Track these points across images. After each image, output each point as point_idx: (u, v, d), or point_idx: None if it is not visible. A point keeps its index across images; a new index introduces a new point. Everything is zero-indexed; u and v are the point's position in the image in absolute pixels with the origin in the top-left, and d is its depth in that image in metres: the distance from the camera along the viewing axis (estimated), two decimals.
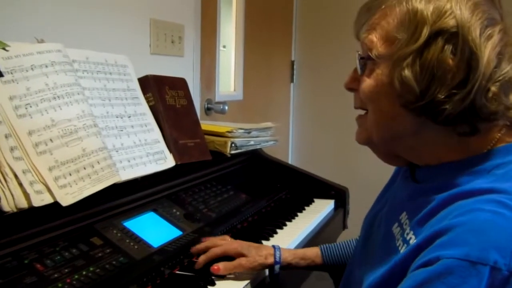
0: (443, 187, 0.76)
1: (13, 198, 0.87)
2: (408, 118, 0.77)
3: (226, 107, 2.22)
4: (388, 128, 0.81)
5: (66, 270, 0.89)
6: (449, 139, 0.77)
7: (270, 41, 2.95)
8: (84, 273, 0.90)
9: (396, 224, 0.85)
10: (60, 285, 0.85)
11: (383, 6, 0.78)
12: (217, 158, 1.55)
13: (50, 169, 0.95)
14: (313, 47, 3.24)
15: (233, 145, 1.58)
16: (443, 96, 0.71)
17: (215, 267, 1.04)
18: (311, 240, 1.44)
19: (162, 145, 1.32)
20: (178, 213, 1.27)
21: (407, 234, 0.78)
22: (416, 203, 0.80)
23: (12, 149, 0.91)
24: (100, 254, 0.97)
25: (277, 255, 1.12)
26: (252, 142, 1.68)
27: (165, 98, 1.40)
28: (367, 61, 0.80)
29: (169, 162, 1.32)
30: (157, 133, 1.33)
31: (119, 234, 1.06)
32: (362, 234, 1.02)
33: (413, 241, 0.75)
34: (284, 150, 3.23)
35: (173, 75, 1.49)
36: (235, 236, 1.28)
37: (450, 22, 0.71)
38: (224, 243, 1.13)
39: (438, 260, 0.63)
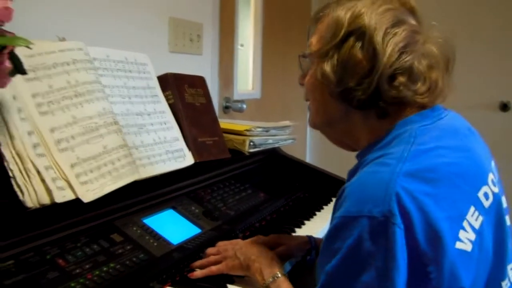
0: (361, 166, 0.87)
1: (36, 194, 0.88)
2: (336, 104, 0.91)
3: (244, 106, 2.22)
4: (324, 115, 0.96)
5: (88, 266, 0.90)
6: (370, 121, 0.89)
7: (287, 39, 2.94)
8: (105, 269, 0.91)
9: None
10: (81, 280, 0.86)
11: (321, 14, 0.94)
12: (236, 156, 1.55)
13: (72, 166, 0.96)
14: None
15: (251, 143, 1.58)
16: (354, 84, 0.85)
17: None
18: None
19: (181, 143, 1.33)
20: (197, 210, 1.28)
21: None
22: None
23: (35, 146, 0.92)
24: (120, 251, 0.98)
25: (313, 242, 1.20)
26: (270, 141, 1.68)
27: (184, 96, 1.40)
28: (304, 59, 0.97)
29: (188, 160, 1.32)
30: (176, 131, 1.33)
31: (139, 231, 1.07)
32: None
33: None
34: (302, 149, 3.22)
35: (192, 73, 1.50)
36: (253, 234, 1.28)
37: (360, 23, 0.85)
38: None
39: (333, 220, 0.79)
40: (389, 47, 0.83)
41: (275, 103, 2.81)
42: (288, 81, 3.03)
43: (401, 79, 0.84)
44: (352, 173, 0.92)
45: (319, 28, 0.93)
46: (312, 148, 3.32)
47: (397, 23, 0.85)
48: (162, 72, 1.39)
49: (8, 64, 0.71)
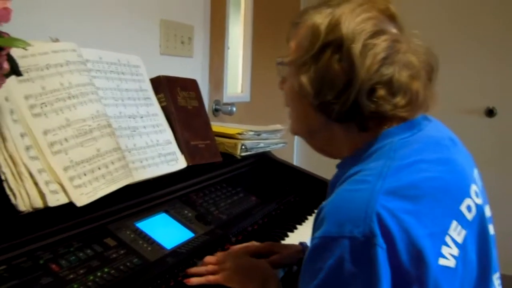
0: (341, 179, 0.84)
1: (29, 198, 0.87)
2: (315, 115, 0.87)
3: (234, 109, 2.21)
4: (304, 124, 0.93)
5: (82, 271, 0.88)
6: (351, 134, 0.87)
7: (276, 42, 2.94)
8: (99, 274, 0.89)
9: None
10: (75, 286, 0.84)
11: (300, 21, 0.90)
12: (227, 160, 1.54)
13: (65, 169, 0.94)
14: None
15: (243, 147, 1.58)
16: (331, 97, 0.82)
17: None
18: None
19: (174, 146, 1.32)
20: (189, 214, 1.26)
21: None
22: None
23: (27, 148, 0.90)
24: (114, 255, 0.96)
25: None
26: (262, 144, 1.67)
27: (177, 99, 1.39)
28: (281, 66, 0.95)
29: (180, 163, 1.31)
30: (169, 134, 1.32)
31: (132, 235, 1.05)
32: None
33: None
34: (289, 153, 3.22)
35: (182, 76, 1.48)
36: (246, 238, 1.28)
37: (337, 34, 0.81)
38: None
39: (313, 240, 0.76)
40: (368, 59, 0.79)
41: (264, 106, 2.80)
42: (277, 84, 3.03)
43: (381, 92, 0.80)
44: (333, 185, 0.90)
45: (298, 33, 0.89)
46: (300, 151, 3.33)
47: (377, 33, 0.81)
48: (153, 74, 1.38)
49: (6, 65, 0.70)
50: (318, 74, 0.83)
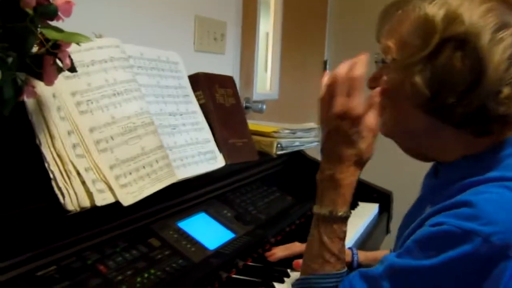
0: (459, 180, 0.79)
1: (77, 197, 0.84)
2: (421, 118, 0.81)
3: (264, 106, 2.18)
4: (402, 126, 0.86)
5: (129, 272, 0.86)
6: (464, 137, 0.80)
7: (304, 40, 2.91)
8: (146, 275, 0.87)
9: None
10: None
11: (400, 12, 0.81)
12: (263, 158, 1.52)
13: (111, 168, 0.92)
14: (345, 46, 3.19)
15: (279, 145, 1.55)
16: (453, 100, 0.74)
17: (296, 262, 1.07)
18: (359, 244, 1.40)
19: (213, 144, 1.29)
20: (229, 214, 1.24)
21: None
22: (437, 197, 0.83)
23: (74, 146, 0.88)
24: (159, 256, 0.94)
25: (355, 260, 1.14)
26: (297, 143, 1.65)
27: (215, 97, 1.37)
28: (382, 64, 0.85)
29: (219, 161, 1.29)
30: (207, 132, 1.30)
31: (175, 235, 1.03)
32: (396, 235, 1.00)
33: None
34: (316, 150, 3.19)
35: (215, 73, 1.46)
36: (285, 239, 1.25)
37: (459, 28, 0.72)
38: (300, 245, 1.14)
39: (441, 225, 0.70)
40: (495, 56, 0.71)
41: (291, 104, 2.77)
42: (304, 81, 3.00)
43: (507, 91, 0.72)
44: (438, 186, 0.86)
45: (398, 30, 0.81)
46: None
47: (502, 26, 0.72)
48: (187, 71, 1.35)
49: (68, 61, 0.68)
50: (437, 74, 0.75)
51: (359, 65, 0.82)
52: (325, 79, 0.86)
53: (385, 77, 0.84)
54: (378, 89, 0.84)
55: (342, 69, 0.83)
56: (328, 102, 0.84)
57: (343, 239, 0.88)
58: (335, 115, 0.83)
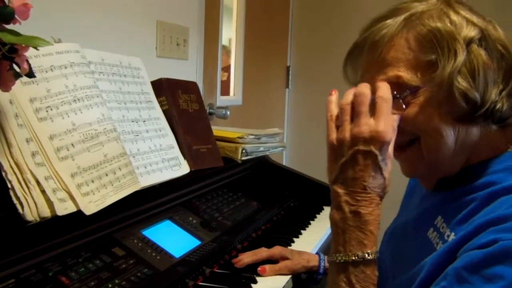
0: (481, 186, 0.77)
1: (36, 207, 0.82)
2: (452, 129, 0.77)
3: (228, 112, 2.18)
4: (443, 148, 0.78)
5: (93, 283, 0.84)
6: (489, 135, 0.79)
7: (267, 46, 2.92)
8: (110, 285, 0.85)
9: (432, 229, 0.84)
10: None
11: (386, 39, 0.78)
12: (228, 164, 1.51)
13: (72, 176, 0.90)
14: (308, 53, 3.22)
15: (243, 151, 1.54)
16: (496, 96, 0.75)
17: (261, 268, 1.10)
18: (327, 248, 1.41)
19: (177, 151, 1.28)
20: (194, 221, 1.23)
21: (447, 235, 0.78)
22: (452, 207, 0.80)
23: (33, 154, 0.86)
24: (124, 266, 0.92)
25: (322, 266, 1.15)
26: (261, 148, 1.65)
27: (179, 102, 1.35)
28: (406, 96, 0.78)
29: (184, 168, 1.28)
30: (171, 138, 1.28)
31: (139, 244, 1.01)
32: (390, 247, 0.99)
33: (452, 237, 0.75)
34: (279, 155, 3.20)
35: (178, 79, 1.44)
36: (251, 245, 1.25)
37: (473, 30, 0.75)
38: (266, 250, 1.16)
39: (495, 243, 0.65)
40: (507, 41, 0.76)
41: (254, 110, 2.77)
42: (268, 87, 3.01)
43: None
44: (426, 198, 0.85)
45: (398, 56, 0.77)
46: (290, 155, 3.30)
47: (488, 21, 0.78)
48: (150, 77, 1.33)
49: (26, 65, 0.65)
50: (477, 75, 0.74)
51: (385, 88, 0.77)
52: (333, 97, 0.81)
53: (407, 110, 0.78)
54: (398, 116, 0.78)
55: (364, 88, 0.77)
56: (344, 122, 0.77)
57: (376, 284, 0.77)
58: (363, 138, 0.75)
